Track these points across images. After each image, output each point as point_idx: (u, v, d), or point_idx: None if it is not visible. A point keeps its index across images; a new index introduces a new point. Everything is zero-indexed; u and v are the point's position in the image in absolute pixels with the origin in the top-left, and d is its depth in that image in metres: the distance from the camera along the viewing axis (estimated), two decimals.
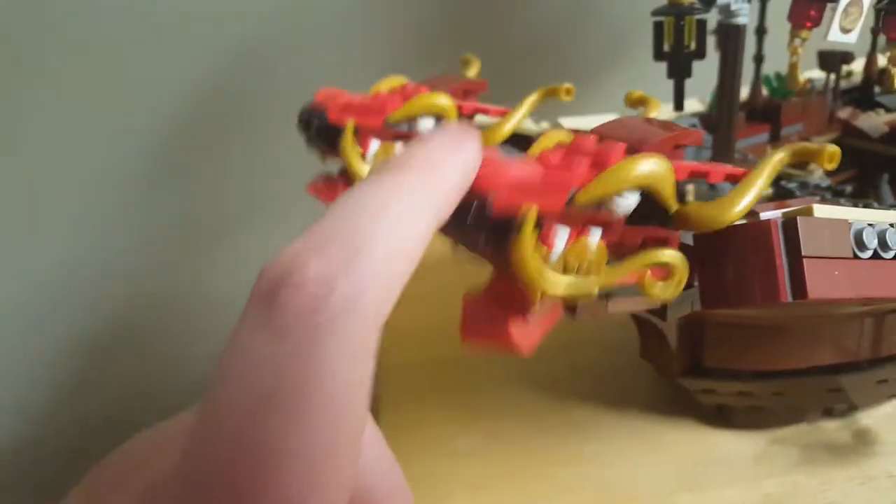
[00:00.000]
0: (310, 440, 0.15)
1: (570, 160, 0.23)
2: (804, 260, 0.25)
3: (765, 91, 0.54)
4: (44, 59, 0.65)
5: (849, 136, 0.55)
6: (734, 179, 0.25)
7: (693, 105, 0.52)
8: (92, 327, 0.75)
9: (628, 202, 0.23)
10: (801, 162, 0.43)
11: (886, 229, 0.27)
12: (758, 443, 0.43)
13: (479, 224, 0.21)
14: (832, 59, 0.53)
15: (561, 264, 0.23)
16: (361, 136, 0.34)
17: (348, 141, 0.33)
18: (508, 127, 0.33)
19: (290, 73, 0.69)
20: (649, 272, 0.23)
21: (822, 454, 0.42)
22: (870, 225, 0.27)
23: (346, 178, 0.34)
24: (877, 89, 0.58)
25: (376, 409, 0.48)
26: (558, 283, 0.21)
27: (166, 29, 0.66)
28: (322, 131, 0.33)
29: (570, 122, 0.48)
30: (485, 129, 0.35)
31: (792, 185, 0.42)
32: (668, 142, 0.25)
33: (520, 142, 0.47)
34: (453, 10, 0.70)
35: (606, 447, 0.43)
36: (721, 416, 0.43)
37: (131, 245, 0.72)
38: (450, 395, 0.48)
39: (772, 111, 0.52)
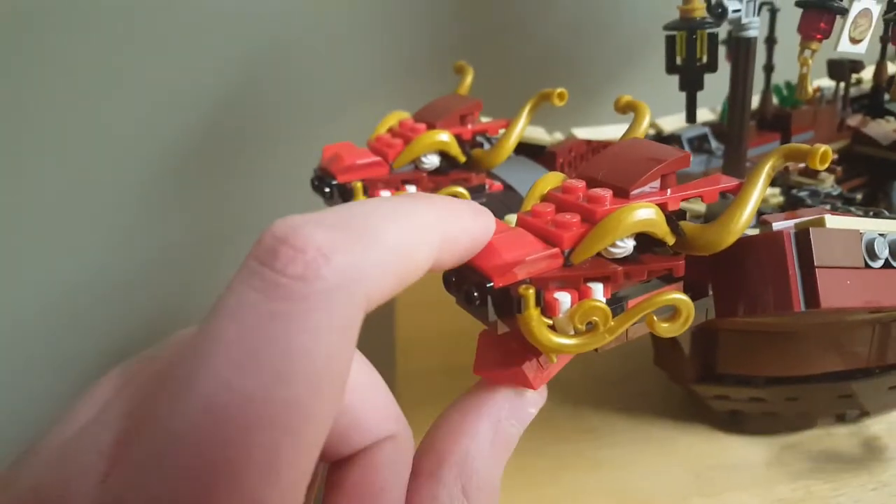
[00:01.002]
0: (290, 400, 0.15)
1: (561, 220, 0.24)
2: (817, 270, 0.25)
3: (775, 100, 0.54)
4: (64, 72, 0.66)
5: (859, 144, 0.55)
6: (732, 193, 0.26)
7: (704, 114, 0.53)
8: (95, 340, 0.75)
9: (625, 249, 0.24)
10: (812, 169, 0.43)
11: None
12: (770, 448, 0.43)
13: (484, 306, 0.22)
14: (841, 68, 0.53)
15: (569, 322, 0.24)
16: (371, 188, 0.35)
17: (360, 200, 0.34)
18: (512, 141, 0.34)
19: (302, 84, 0.70)
20: (655, 317, 0.24)
21: (833, 460, 0.42)
22: (881, 235, 0.27)
23: None
24: (886, 97, 0.58)
25: None
26: (567, 346, 0.23)
27: (180, 42, 0.66)
28: (334, 194, 0.35)
29: (582, 133, 0.48)
30: (490, 149, 0.35)
31: (803, 194, 0.42)
32: (655, 176, 0.26)
33: (534, 152, 0.47)
34: (469, 21, 0.70)
35: (620, 453, 0.43)
36: (734, 422, 0.43)
37: (146, 258, 0.73)
38: None
39: (782, 120, 0.52)
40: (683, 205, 0.26)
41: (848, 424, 0.44)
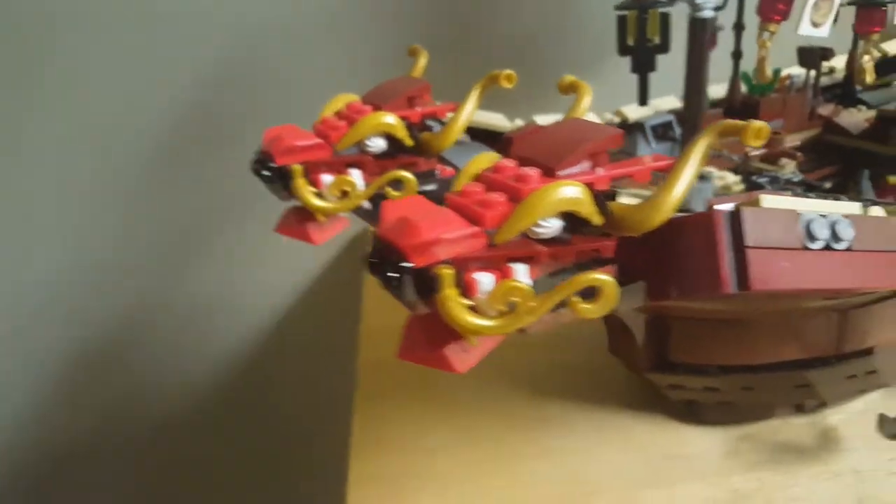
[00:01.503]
0: None
1: (486, 199, 0.23)
2: (748, 250, 0.24)
3: (744, 88, 0.53)
4: (38, 67, 0.64)
5: (830, 133, 0.54)
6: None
7: (671, 102, 0.51)
8: (80, 333, 0.73)
9: (550, 229, 0.23)
10: (772, 156, 0.41)
11: (838, 220, 0.26)
12: (727, 439, 0.41)
13: (402, 286, 0.22)
14: (811, 56, 0.52)
15: (490, 304, 0.22)
16: (312, 171, 0.33)
17: (299, 184, 0.32)
18: (460, 123, 0.32)
19: (279, 75, 0.68)
20: (577, 298, 0.23)
21: (789, 451, 0.40)
22: (822, 216, 0.26)
23: (309, 214, 0.33)
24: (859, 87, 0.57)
25: (349, 406, 0.47)
26: (486, 328, 0.22)
27: (156, 35, 0.65)
28: (273, 177, 0.33)
29: (543, 120, 0.47)
30: (437, 132, 0.34)
31: (762, 180, 0.41)
32: (583, 155, 0.24)
33: (494, 138, 0.46)
34: (441, 10, 0.68)
35: (575, 442, 0.42)
36: (690, 412, 0.42)
37: (119, 251, 0.71)
38: (423, 392, 0.47)
39: (750, 108, 0.51)
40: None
41: (807, 415, 0.42)
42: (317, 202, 0.32)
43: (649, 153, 0.45)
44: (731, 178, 0.42)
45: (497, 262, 0.23)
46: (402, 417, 0.45)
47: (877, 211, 0.28)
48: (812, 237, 0.25)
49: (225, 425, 0.77)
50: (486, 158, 0.26)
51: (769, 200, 0.25)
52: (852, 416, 0.42)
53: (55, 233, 0.70)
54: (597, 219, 0.23)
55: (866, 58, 0.42)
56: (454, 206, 0.24)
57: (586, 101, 0.28)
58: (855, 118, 0.54)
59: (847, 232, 0.26)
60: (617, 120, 0.49)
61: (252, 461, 0.79)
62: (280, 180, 0.33)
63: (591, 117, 0.47)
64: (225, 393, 0.76)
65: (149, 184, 0.70)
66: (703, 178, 0.39)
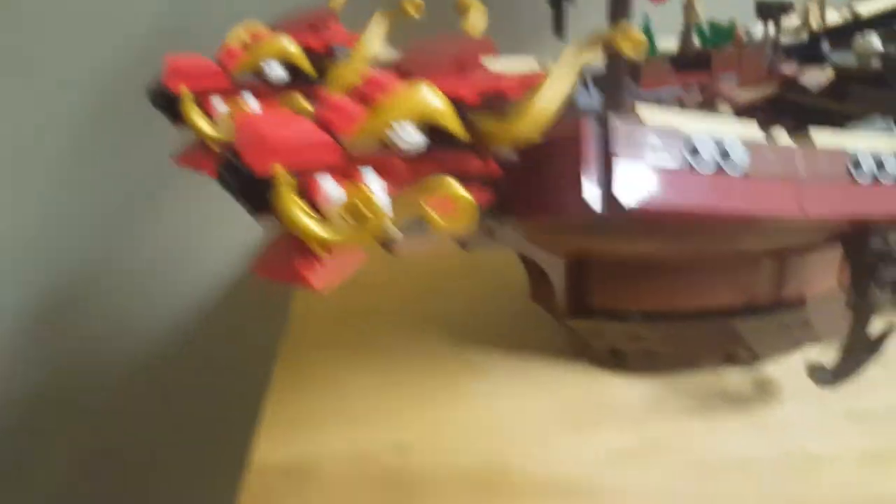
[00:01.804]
0: None
1: (342, 106, 0.22)
2: (616, 164, 0.22)
3: (698, 42, 0.50)
4: None
5: (789, 91, 0.52)
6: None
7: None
8: (25, 301, 0.71)
9: (410, 140, 0.22)
10: (708, 99, 0.39)
11: (731, 144, 0.24)
12: (652, 388, 0.40)
13: (239, 188, 0.20)
14: (770, 10, 0.49)
15: (338, 212, 0.21)
16: (205, 98, 0.31)
17: (189, 109, 0.30)
18: (363, 53, 0.30)
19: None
20: (431, 206, 0.21)
21: (718, 401, 0.39)
22: (711, 138, 0.24)
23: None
24: (826, 46, 0.55)
25: (274, 352, 0.45)
26: (331, 237, 0.21)
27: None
28: (162, 103, 0.31)
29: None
30: (341, 63, 0.32)
31: None
32: (450, 65, 0.23)
33: None
34: None
35: (494, 387, 0.41)
36: (615, 361, 0.40)
37: (63, 216, 0.68)
38: (354, 338, 0.46)
39: (703, 61, 0.49)
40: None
41: (740, 366, 0.41)
42: (207, 129, 0.30)
43: (587, 101, 0.43)
44: None
45: (349, 172, 0.22)
46: (323, 364, 0.44)
47: (785, 138, 0.26)
48: (697, 158, 0.23)
49: (178, 376, 0.75)
50: (352, 71, 0.24)
51: (648, 112, 0.23)
52: (791, 369, 0.40)
53: None
54: (461, 131, 0.22)
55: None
56: (317, 118, 0.22)
57: (474, 16, 0.26)
58: (818, 77, 0.52)
59: (741, 156, 0.24)
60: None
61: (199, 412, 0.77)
62: (169, 108, 0.31)
63: (533, 64, 0.45)
64: (183, 342, 0.74)
65: (94, 141, 0.67)
66: None
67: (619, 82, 0.37)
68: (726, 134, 0.24)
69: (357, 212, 0.21)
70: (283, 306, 0.51)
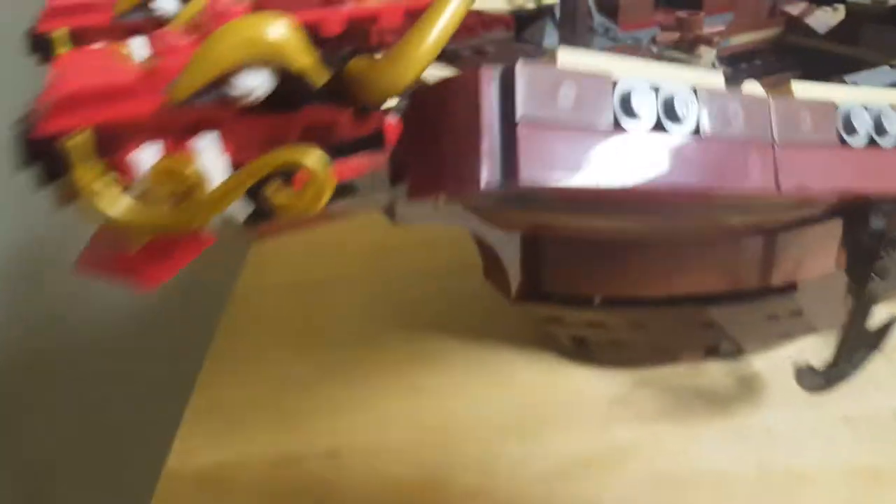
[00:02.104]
0: None
1: (168, 47, 0.17)
2: (519, 127, 0.16)
3: None
4: None
5: (793, 33, 0.45)
6: None
7: None
8: None
9: (253, 84, 0.16)
10: (686, 42, 0.33)
11: (681, 94, 0.18)
12: (621, 384, 0.34)
13: (25, 153, 0.15)
14: None
15: (152, 187, 0.16)
16: (86, 41, 0.25)
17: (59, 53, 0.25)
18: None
19: None
20: (276, 186, 0.16)
21: (693, 401, 0.33)
22: (654, 88, 0.18)
23: None
24: None
25: (213, 334, 0.40)
26: (141, 221, 0.16)
27: None
28: (37, 47, 0.26)
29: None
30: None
31: None
32: None
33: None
34: None
35: (447, 380, 0.35)
36: (580, 352, 0.35)
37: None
38: (297, 321, 0.41)
39: None
40: None
41: (722, 360, 0.35)
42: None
43: (555, 42, 0.36)
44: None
45: (172, 133, 0.16)
46: (258, 351, 0.39)
47: (756, 87, 0.20)
48: (631, 117, 0.17)
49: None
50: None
51: (568, 57, 0.17)
52: (779, 364, 0.35)
53: None
54: (316, 75, 0.16)
55: None
56: (147, 65, 0.17)
57: None
58: (827, 19, 0.45)
59: (692, 113, 0.18)
60: (531, 6, 0.40)
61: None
62: (40, 51, 0.26)
63: (500, 4, 0.39)
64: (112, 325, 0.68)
65: None
66: None
67: (576, 15, 0.31)
68: (674, 84, 0.18)
69: (175, 188, 0.15)
70: (228, 283, 0.47)
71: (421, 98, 0.17)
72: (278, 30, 0.15)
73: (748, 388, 0.33)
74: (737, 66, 0.41)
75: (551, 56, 0.17)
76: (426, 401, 0.34)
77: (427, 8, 0.16)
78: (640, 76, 0.17)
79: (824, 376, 0.28)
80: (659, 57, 0.34)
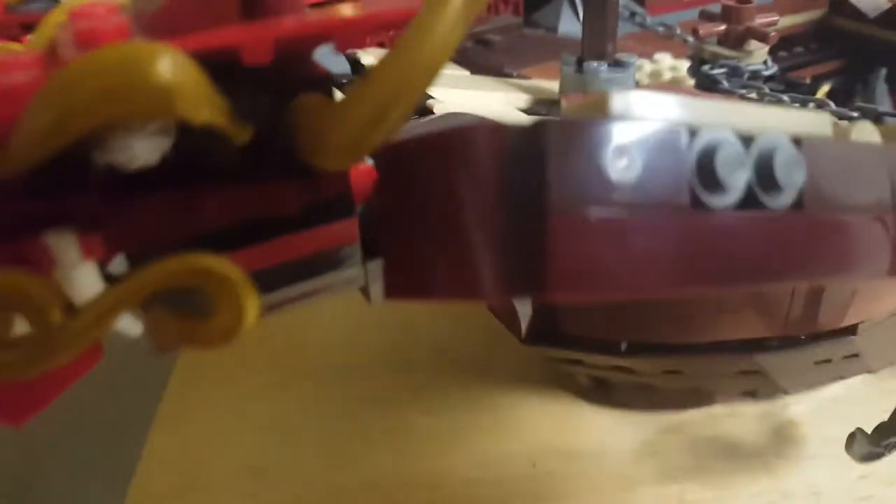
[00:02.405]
0: None
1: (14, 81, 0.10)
2: (550, 217, 0.10)
3: None
4: None
5: (839, 16, 0.39)
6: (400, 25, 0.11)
7: None
8: None
9: (136, 147, 0.10)
10: (735, 38, 0.27)
11: (779, 147, 0.12)
12: (645, 431, 0.29)
13: None
14: None
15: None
16: None
17: None
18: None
19: None
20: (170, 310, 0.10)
21: (727, 453, 0.28)
22: (743, 139, 0.12)
23: None
24: None
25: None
26: None
27: None
28: None
29: None
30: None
31: (718, 72, 0.27)
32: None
33: None
34: None
35: (444, 424, 0.30)
36: (600, 394, 0.30)
37: None
38: (279, 349, 0.35)
39: None
40: None
41: (760, 402, 0.30)
42: None
43: (572, 28, 0.31)
44: (684, 69, 0.28)
45: (7, 229, 0.10)
46: (228, 384, 0.33)
47: (869, 132, 0.14)
48: (715, 186, 0.12)
49: None
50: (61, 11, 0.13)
51: (630, 100, 0.11)
52: (821, 408, 0.30)
53: None
54: (234, 129, 0.10)
55: None
56: None
57: None
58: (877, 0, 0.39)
59: (796, 173, 0.12)
60: None
61: None
62: None
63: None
64: None
65: None
66: (619, 64, 0.24)
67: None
68: (771, 134, 0.12)
69: (20, 313, 0.10)
70: None
71: (397, 154, 0.12)
72: (165, 67, 0.09)
73: (787, 438, 0.29)
74: (775, 54, 0.36)
75: (600, 100, 0.11)
76: (415, 446, 0.29)
77: (414, 17, 0.10)
78: (719, 122, 0.12)
79: (880, 442, 0.23)
80: (700, 51, 0.28)
